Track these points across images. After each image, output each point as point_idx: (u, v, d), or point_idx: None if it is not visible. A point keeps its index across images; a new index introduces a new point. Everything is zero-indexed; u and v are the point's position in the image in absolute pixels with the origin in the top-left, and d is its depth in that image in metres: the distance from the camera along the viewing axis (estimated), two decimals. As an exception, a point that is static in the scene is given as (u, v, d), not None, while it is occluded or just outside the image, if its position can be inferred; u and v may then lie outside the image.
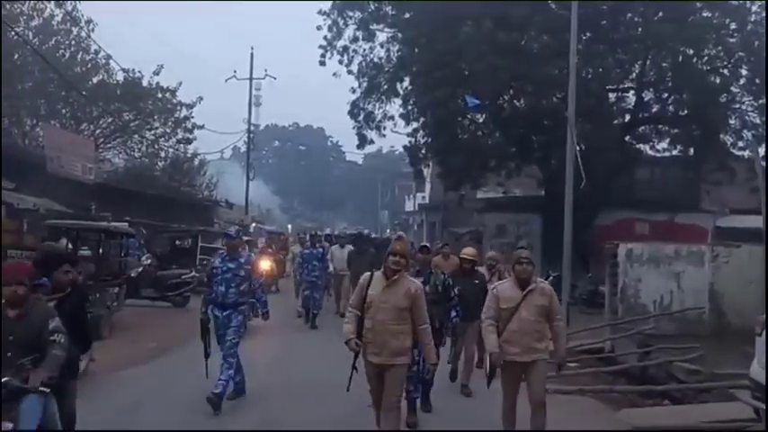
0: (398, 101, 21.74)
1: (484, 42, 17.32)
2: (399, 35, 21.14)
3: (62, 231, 11.23)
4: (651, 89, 20.33)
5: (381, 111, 22.61)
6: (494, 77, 17.81)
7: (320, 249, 13.21)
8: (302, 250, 13.48)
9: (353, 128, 22.92)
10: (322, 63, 22.42)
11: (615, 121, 20.47)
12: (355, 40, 21.99)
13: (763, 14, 16.85)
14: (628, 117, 20.91)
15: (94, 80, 23.18)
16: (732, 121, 19.44)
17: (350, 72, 22.26)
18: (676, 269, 9.94)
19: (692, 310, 9.69)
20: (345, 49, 22.08)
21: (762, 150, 17.11)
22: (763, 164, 17.61)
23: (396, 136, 24.15)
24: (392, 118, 22.64)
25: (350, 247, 14.34)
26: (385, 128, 23.01)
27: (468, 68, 18.01)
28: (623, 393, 7.41)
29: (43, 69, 19.58)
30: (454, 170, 21.01)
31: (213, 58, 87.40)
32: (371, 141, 23.71)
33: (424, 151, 22.25)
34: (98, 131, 24.08)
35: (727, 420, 5.83)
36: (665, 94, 19.95)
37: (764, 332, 5.26)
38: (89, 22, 21.47)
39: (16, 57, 19.53)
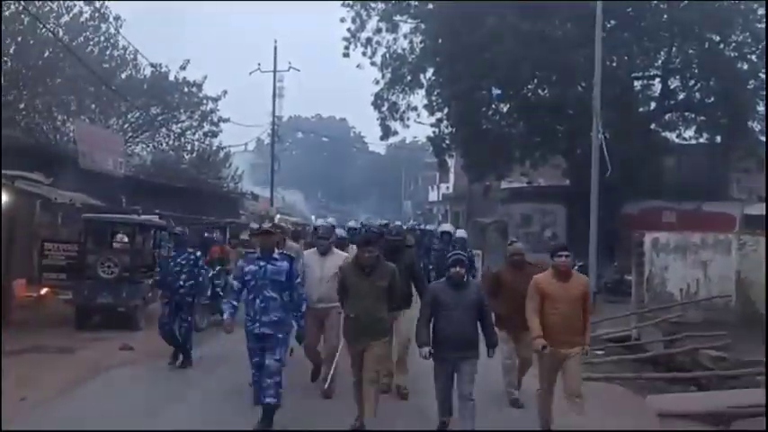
0: (422, 92, 21.79)
1: (508, 32, 17.29)
2: (422, 26, 21.18)
3: (98, 224, 11.60)
4: (677, 76, 20.13)
5: (405, 102, 22.69)
6: (518, 67, 17.80)
7: (284, 263, 5.90)
8: (244, 264, 6.04)
9: (377, 119, 23.04)
10: (346, 55, 22.56)
11: (641, 109, 20.31)
12: (378, 31, 22.06)
13: None
14: (654, 105, 20.73)
15: (123, 76, 23.62)
16: (761, 108, 19.17)
17: (373, 63, 22.36)
18: (703, 258, 9.95)
19: (719, 298, 9.70)
20: (369, 40, 22.17)
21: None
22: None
23: (419, 126, 24.23)
24: (415, 109, 22.70)
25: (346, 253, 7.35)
26: (408, 119, 23.09)
27: (491, 59, 17.99)
28: (650, 380, 7.49)
29: (73, 65, 19.95)
30: (478, 161, 21.06)
31: (237, 51, 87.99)
32: (395, 132, 23.83)
33: (447, 142, 22.29)
34: (126, 126, 24.57)
35: (751, 405, 5.89)
36: (692, 81, 19.74)
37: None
38: (117, 18, 21.91)
39: (47, 54, 19.96)
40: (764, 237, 9.87)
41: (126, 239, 11.84)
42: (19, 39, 19.18)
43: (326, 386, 6.56)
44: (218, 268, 11.91)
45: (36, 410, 6.12)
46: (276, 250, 5.97)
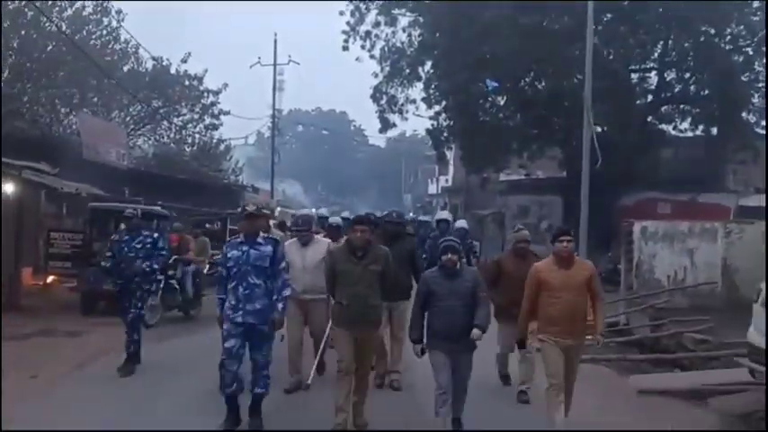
0: (420, 85, 22.06)
1: (505, 26, 17.55)
2: (420, 20, 21.42)
3: (103, 213, 11.91)
4: (673, 69, 20.37)
5: (404, 95, 22.98)
6: (515, 60, 18.06)
7: (268, 248, 5.56)
8: (227, 249, 5.71)
9: (376, 112, 23.32)
10: (345, 48, 22.82)
11: (638, 102, 20.56)
12: (377, 24, 22.34)
13: None
14: (650, 97, 20.98)
15: (124, 69, 23.89)
16: (755, 100, 19.41)
17: (372, 57, 22.62)
18: (690, 245, 10.26)
19: (706, 284, 10.00)
20: (368, 33, 22.44)
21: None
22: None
23: (418, 119, 24.51)
24: (414, 101, 22.99)
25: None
26: (407, 111, 23.38)
27: (489, 52, 18.24)
28: (634, 362, 7.78)
29: (75, 59, 20.21)
30: (476, 153, 21.35)
31: (237, 44, 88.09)
32: (394, 125, 24.15)
33: (446, 134, 22.55)
34: (128, 118, 24.87)
35: (726, 384, 6.20)
36: (687, 74, 19.98)
37: (762, 299, 5.62)
38: (119, 12, 22.20)
39: (50, 48, 20.24)
40: (750, 225, 10.16)
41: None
42: (23, 32, 19.46)
43: (310, 379, 6.32)
44: (173, 258, 10.80)
45: (46, 387, 6.43)
46: (261, 234, 5.59)
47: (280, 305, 5.44)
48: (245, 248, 5.43)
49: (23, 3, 18.66)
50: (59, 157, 14.42)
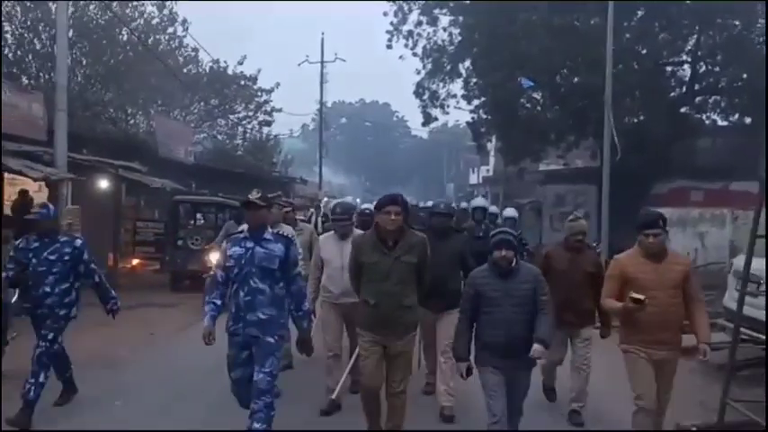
0: (460, 81, 23.31)
1: (540, 26, 18.72)
2: (460, 19, 22.67)
3: (185, 204, 13.76)
4: (705, 63, 21.12)
5: (445, 90, 24.19)
6: (549, 58, 19.20)
7: (278, 246, 4.52)
8: (227, 246, 4.65)
9: (419, 107, 24.65)
10: (389, 47, 24.24)
11: (672, 94, 21.38)
12: (419, 24, 23.65)
13: None
14: (684, 89, 21.77)
15: (185, 71, 25.90)
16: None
17: (415, 54, 23.94)
18: (701, 230, 11.43)
19: (714, 264, 11.17)
20: (410, 33, 23.77)
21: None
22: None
23: (461, 110, 25.55)
24: (455, 96, 24.18)
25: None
26: (448, 106, 24.59)
27: (524, 50, 19.40)
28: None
29: (142, 64, 22.20)
30: (514, 145, 22.54)
31: (286, 43, 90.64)
32: (435, 119, 25.38)
33: (485, 128, 23.78)
34: (188, 117, 26.95)
35: (713, 342, 7.48)
36: (717, 68, 20.73)
37: (734, 271, 6.92)
38: (185, 21, 24.20)
39: (122, 55, 22.29)
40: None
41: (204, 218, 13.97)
42: (99, 40, 21.49)
43: (335, 395, 5.36)
44: None
45: (162, 341, 8.22)
46: (269, 230, 4.62)
47: (305, 323, 4.58)
48: (249, 245, 4.50)
49: (97, 13, 20.74)
50: (137, 154, 16.37)
